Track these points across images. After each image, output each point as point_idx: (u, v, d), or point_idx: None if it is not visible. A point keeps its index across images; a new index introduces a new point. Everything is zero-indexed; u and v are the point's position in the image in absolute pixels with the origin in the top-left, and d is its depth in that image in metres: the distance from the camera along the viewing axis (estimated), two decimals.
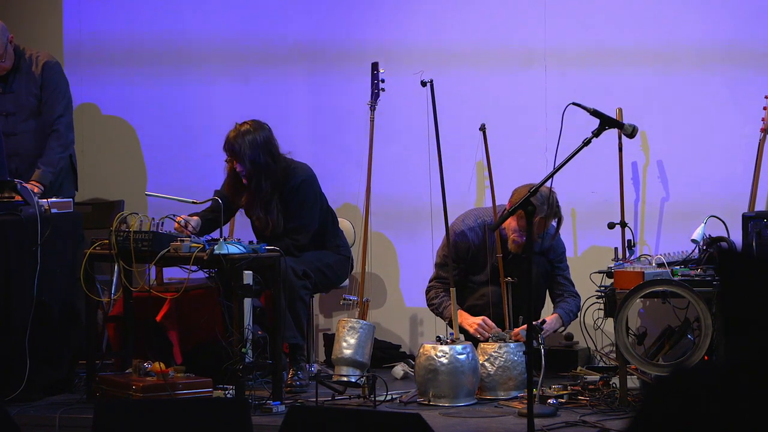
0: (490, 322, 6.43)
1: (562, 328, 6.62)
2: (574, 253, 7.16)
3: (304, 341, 6.54)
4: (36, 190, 6.60)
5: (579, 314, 6.47)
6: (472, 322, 6.45)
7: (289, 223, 6.61)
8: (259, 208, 6.60)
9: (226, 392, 5.99)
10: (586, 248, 7.16)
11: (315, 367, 6.77)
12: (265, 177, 6.55)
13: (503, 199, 6.62)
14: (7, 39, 6.86)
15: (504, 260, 6.52)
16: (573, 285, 6.67)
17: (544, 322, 6.33)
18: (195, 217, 6.58)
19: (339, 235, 6.88)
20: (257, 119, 6.62)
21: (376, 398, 6.02)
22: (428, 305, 6.72)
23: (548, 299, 6.77)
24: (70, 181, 7.05)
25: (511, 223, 6.45)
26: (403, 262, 7.55)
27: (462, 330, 6.38)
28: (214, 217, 6.53)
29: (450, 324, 6.41)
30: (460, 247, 6.62)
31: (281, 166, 6.60)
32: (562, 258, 6.72)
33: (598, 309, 6.19)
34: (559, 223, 6.51)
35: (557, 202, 6.45)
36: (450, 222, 6.52)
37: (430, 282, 6.72)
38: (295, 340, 6.45)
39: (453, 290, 6.38)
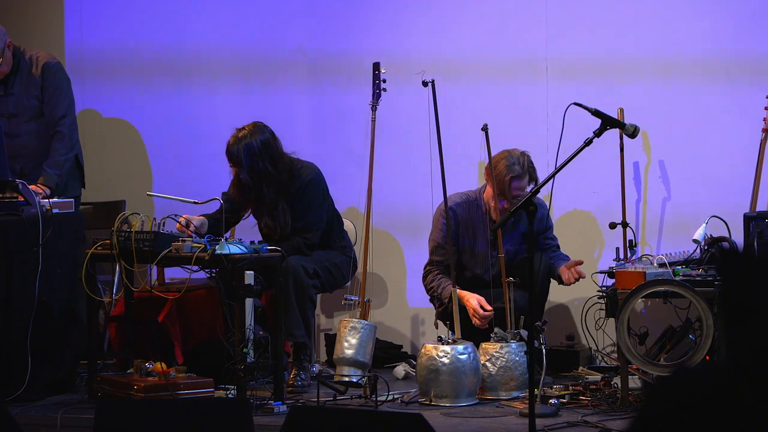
0: (485, 305, 6.44)
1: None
2: (576, 252, 7.16)
3: (309, 341, 6.55)
4: (40, 191, 6.60)
5: (581, 313, 6.47)
6: (472, 303, 6.45)
7: (298, 223, 6.61)
8: (266, 215, 6.60)
9: (228, 392, 5.99)
10: (587, 248, 7.15)
11: (316, 368, 6.77)
12: (266, 184, 6.53)
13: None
14: (5, 44, 6.84)
15: (497, 239, 6.56)
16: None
17: (545, 322, 6.32)
18: (201, 217, 6.56)
19: (344, 236, 6.89)
20: (257, 122, 6.59)
21: (378, 398, 6.02)
22: (426, 291, 6.73)
23: (551, 297, 6.79)
24: (75, 180, 7.04)
25: (488, 191, 6.54)
26: (405, 262, 7.55)
27: (462, 307, 6.39)
28: (223, 218, 6.50)
29: (449, 305, 6.39)
30: (452, 225, 6.67)
31: (285, 168, 6.58)
32: (549, 229, 6.72)
33: (600, 309, 6.19)
34: (535, 185, 6.50)
35: (531, 163, 6.51)
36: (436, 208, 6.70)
37: (425, 268, 6.75)
38: (303, 339, 6.45)
39: (454, 290, 6.38)
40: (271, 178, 6.52)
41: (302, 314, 6.44)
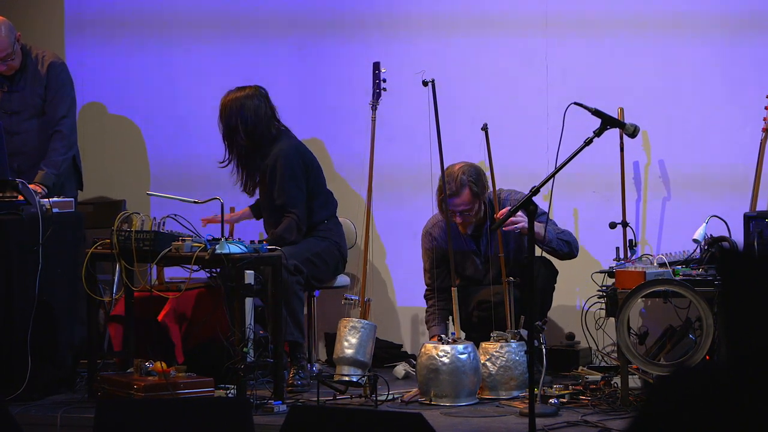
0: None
1: (546, 238, 6.46)
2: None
3: (303, 338, 6.54)
4: (39, 190, 6.60)
5: (581, 314, 6.46)
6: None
7: (278, 200, 6.64)
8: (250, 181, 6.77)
9: (228, 392, 5.99)
10: (587, 248, 7.15)
11: (316, 367, 6.77)
12: (236, 140, 6.67)
13: None
14: (15, 38, 6.87)
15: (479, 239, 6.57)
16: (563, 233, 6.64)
17: (545, 322, 6.33)
18: (246, 210, 7.00)
19: (333, 218, 6.85)
20: (258, 86, 6.74)
21: (378, 398, 6.02)
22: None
23: (555, 301, 6.79)
24: (72, 181, 7.05)
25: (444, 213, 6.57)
26: (405, 262, 7.54)
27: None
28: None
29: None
30: (432, 248, 6.71)
31: (263, 138, 6.67)
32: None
33: (600, 309, 6.19)
34: (474, 194, 6.50)
35: (475, 176, 6.50)
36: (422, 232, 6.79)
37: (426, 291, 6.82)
38: (293, 337, 6.44)
39: (454, 290, 6.39)
40: (238, 138, 6.64)
41: (290, 313, 6.41)
